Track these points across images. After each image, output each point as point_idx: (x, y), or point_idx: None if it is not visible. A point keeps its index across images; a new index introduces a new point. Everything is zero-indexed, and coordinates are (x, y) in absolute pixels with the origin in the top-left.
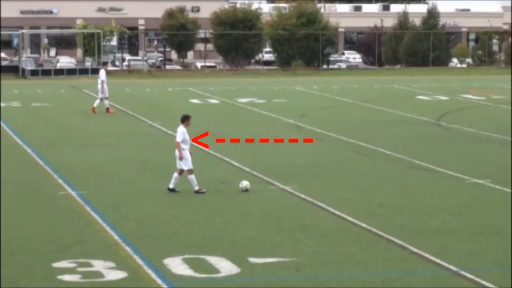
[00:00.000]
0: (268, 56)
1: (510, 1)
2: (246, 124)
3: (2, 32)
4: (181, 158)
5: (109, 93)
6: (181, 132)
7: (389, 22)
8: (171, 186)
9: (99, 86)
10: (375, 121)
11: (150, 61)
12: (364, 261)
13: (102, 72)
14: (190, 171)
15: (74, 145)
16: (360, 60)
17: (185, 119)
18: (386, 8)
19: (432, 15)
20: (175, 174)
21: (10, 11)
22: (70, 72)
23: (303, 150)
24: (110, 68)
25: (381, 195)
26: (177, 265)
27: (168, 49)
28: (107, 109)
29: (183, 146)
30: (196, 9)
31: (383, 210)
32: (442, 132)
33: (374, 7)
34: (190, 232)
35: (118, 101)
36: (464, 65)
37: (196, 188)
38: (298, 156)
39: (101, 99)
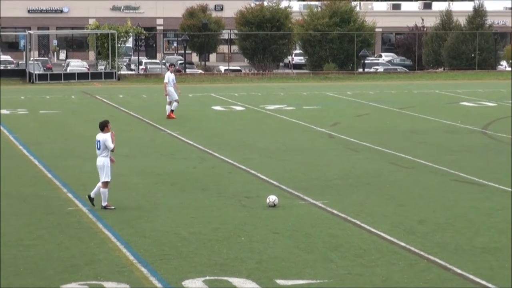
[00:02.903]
0: (298, 59)
1: None
2: (274, 133)
3: (8, 33)
4: (112, 161)
5: (128, 99)
6: (106, 140)
7: (431, 22)
8: (104, 203)
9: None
10: (414, 129)
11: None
12: (403, 283)
13: (166, 74)
14: (106, 184)
15: (85, 157)
16: (398, 62)
17: (104, 126)
18: (428, 6)
19: (479, 13)
20: (102, 189)
21: (17, 10)
22: (82, 76)
23: (336, 161)
24: (125, 72)
25: (421, 211)
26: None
27: (188, 51)
28: (171, 111)
29: (108, 153)
30: (220, 8)
31: (424, 227)
32: (488, 141)
33: (415, 5)
34: (212, 251)
35: (134, 108)
36: None
37: (104, 204)
38: (331, 168)
39: (170, 102)
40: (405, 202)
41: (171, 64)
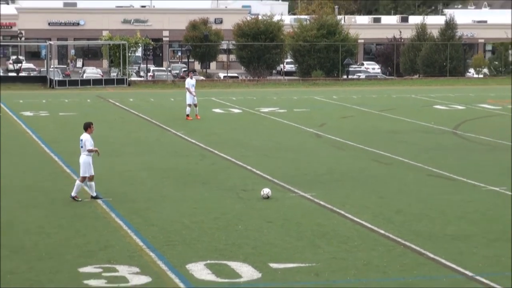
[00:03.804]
0: (289, 67)
1: None
2: (268, 133)
3: (30, 44)
4: (97, 153)
5: (137, 102)
6: (87, 139)
7: (408, 34)
8: (73, 193)
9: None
10: (393, 130)
11: (174, 72)
12: (382, 267)
13: (186, 80)
14: (82, 179)
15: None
16: (379, 70)
17: (88, 127)
18: (405, 19)
19: (450, 26)
20: (88, 182)
21: (39, 23)
22: (96, 82)
23: (323, 158)
24: (135, 78)
25: (399, 203)
26: (199, 270)
27: (191, 60)
28: (187, 115)
29: (89, 152)
30: (219, 21)
31: (401, 216)
32: (459, 141)
33: (393, 19)
34: (212, 238)
35: (142, 110)
36: (481, 75)
37: (74, 194)
38: (319, 165)
39: (189, 105)
40: (385, 195)
41: (190, 71)
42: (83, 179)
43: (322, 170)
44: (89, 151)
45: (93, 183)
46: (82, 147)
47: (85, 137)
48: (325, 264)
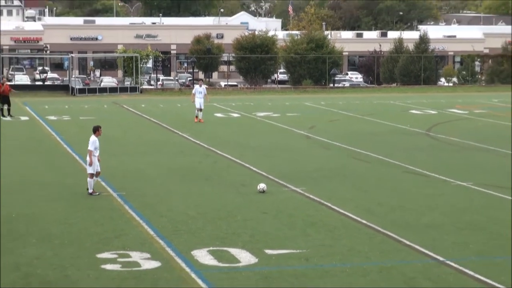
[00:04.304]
0: (282, 76)
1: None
2: (263, 135)
3: (55, 56)
4: (90, 164)
5: (148, 108)
6: (93, 141)
7: (387, 47)
8: (90, 190)
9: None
10: (374, 132)
11: (181, 81)
12: (364, 252)
13: (195, 87)
14: (91, 175)
15: (115, 153)
16: (361, 79)
17: (96, 130)
18: (384, 34)
19: (423, 40)
20: (88, 179)
21: (62, 37)
22: (112, 90)
23: (313, 157)
24: (146, 86)
25: (378, 196)
26: (203, 256)
27: (196, 70)
28: (196, 117)
29: (94, 153)
30: (220, 36)
31: (381, 208)
32: (431, 141)
33: (374, 34)
34: (215, 227)
35: (153, 115)
36: (451, 84)
37: (91, 190)
38: (308, 163)
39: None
40: (366, 189)
41: (200, 80)
42: (91, 176)
43: (312, 168)
44: (88, 152)
45: (97, 179)
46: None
47: (92, 139)
48: (314, 250)
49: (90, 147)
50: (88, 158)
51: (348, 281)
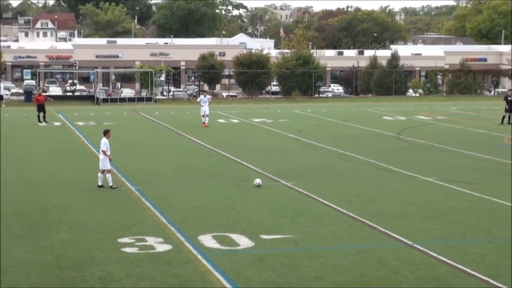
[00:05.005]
0: (275, 88)
1: (449, 47)
2: (259, 138)
3: (83, 71)
4: (110, 159)
5: (161, 115)
6: (104, 142)
7: (363, 63)
8: (99, 183)
9: None
10: (353, 135)
11: (189, 92)
12: (344, 237)
13: (200, 97)
14: (108, 171)
15: (133, 153)
16: (342, 91)
17: (106, 132)
18: (361, 53)
19: (395, 58)
20: (99, 174)
21: (88, 55)
22: (131, 100)
23: (301, 157)
24: (159, 97)
25: (357, 189)
26: (207, 240)
27: (201, 83)
28: (203, 123)
29: (103, 153)
30: (223, 54)
31: (359, 200)
32: (401, 143)
33: (352, 52)
34: (218, 216)
35: (165, 121)
36: (417, 94)
37: (111, 184)
38: (297, 161)
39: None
40: (347, 184)
41: (205, 91)
42: (102, 172)
43: (300, 166)
44: (103, 152)
45: (109, 175)
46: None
47: (103, 140)
48: (303, 235)
49: (103, 147)
50: (103, 156)
51: (331, 261)
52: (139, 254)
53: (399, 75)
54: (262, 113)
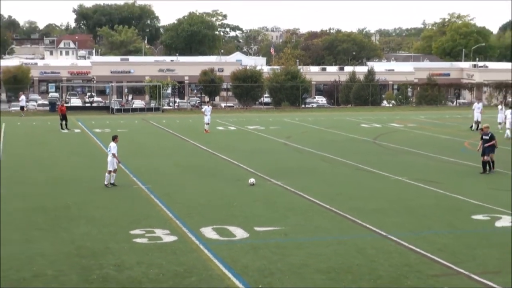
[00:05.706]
0: (267, 99)
1: (418, 64)
2: (253, 142)
3: (99, 85)
4: (119, 162)
5: (168, 123)
6: (114, 146)
7: (344, 78)
8: (105, 182)
9: None
10: (334, 140)
11: (192, 103)
12: (328, 229)
13: (204, 107)
14: (115, 171)
15: (143, 155)
16: (325, 102)
17: (115, 138)
18: (342, 69)
19: (371, 73)
20: (107, 174)
21: (105, 71)
22: (141, 110)
23: (290, 159)
24: (166, 107)
25: (338, 188)
26: (208, 232)
27: (203, 95)
28: (205, 130)
29: (113, 156)
30: (221, 70)
31: (340, 197)
32: (376, 147)
33: (334, 68)
34: (217, 211)
35: (171, 128)
36: (391, 105)
37: (113, 181)
38: (287, 163)
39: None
40: (330, 183)
41: (209, 102)
42: (109, 172)
43: (289, 167)
44: (113, 155)
45: (114, 175)
46: (109, 151)
47: (112, 144)
48: (292, 228)
49: (113, 151)
50: (113, 158)
51: (316, 251)
52: (149, 244)
53: (374, 88)
54: (256, 121)
